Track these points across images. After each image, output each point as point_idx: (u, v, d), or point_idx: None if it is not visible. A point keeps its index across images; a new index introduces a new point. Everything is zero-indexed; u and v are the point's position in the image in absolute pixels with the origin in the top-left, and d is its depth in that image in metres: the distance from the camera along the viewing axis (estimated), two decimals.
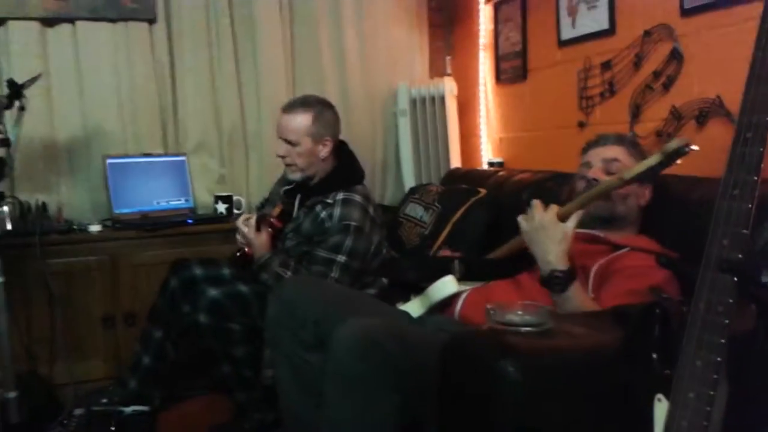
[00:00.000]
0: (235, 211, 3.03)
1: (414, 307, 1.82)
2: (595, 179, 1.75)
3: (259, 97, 3.16)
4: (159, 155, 3.02)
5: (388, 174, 3.42)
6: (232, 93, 3.12)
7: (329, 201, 2.18)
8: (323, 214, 2.17)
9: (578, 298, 1.51)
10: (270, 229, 2.23)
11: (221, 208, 3.00)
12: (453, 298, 1.76)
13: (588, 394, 1.16)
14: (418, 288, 1.87)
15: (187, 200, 3.05)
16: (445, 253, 2.08)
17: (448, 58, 3.47)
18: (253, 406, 2.18)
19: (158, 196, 2.98)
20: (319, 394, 1.51)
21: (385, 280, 2.25)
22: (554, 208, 1.57)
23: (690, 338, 1.04)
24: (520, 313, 1.27)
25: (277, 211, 2.28)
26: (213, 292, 2.10)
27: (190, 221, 2.86)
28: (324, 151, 2.23)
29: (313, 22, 3.21)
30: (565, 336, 1.26)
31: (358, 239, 2.13)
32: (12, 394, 2.14)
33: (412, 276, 1.92)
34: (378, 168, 3.37)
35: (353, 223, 2.13)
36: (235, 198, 3.05)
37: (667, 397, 1.05)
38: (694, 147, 1.42)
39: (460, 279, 1.78)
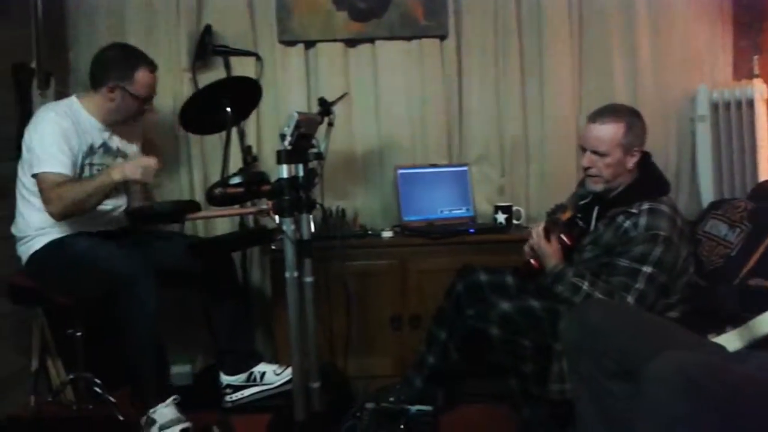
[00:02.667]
0: (515, 222, 3.02)
1: (730, 340, 1.64)
2: None
3: (543, 108, 3.12)
4: (444, 165, 3.13)
5: (682, 186, 3.16)
6: (516, 104, 3.13)
7: (633, 211, 2.08)
8: (627, 223, 2.07)
9: None
10: (562, 237, 2.19)
11: (501, 218, 3.01)
12: None
13: None
14: (734, 318, 1.68)
15: (467, 209, 3.12)
16: None
17: (756, 57, 3.10)
18: (538, 423, 2.14)
19: (442, 205, 3.09)
20: (624, 426, 1.42)
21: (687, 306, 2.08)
22: None
23: None
24: None
25: (566, 215, 2.21)
26: (505, 305, 2.11)
27: (471, 231, 2.91)
28: (631, 161, 2.15)
29: (604, 27, 3.09)
30: None
31: (666, 250, 2.01)
32: (316, 384, 2.34)
33: (730, 305, 1.73)
34: (670, 179, 3.11)
35: (662, 233, 2.01)
36: (514, 208, 3.04)
37: None
38: None
39: None
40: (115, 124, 2.55)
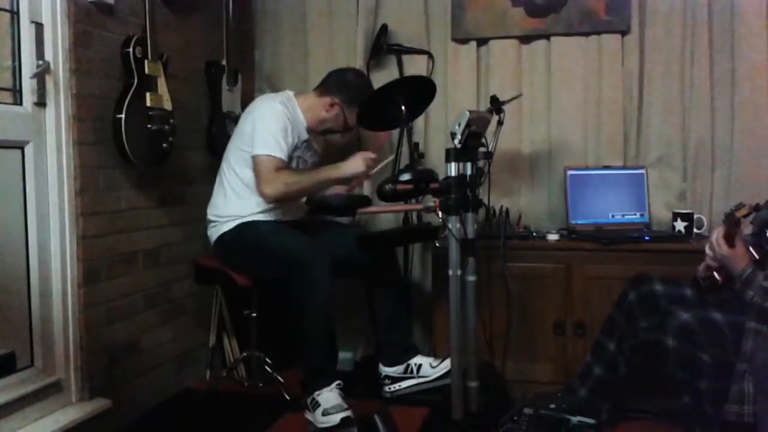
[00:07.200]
0: (695, 231, 2.80)
1: None
2: None
3: (734, 111, 2.86)
4: (618, 168, 2.98)
5: None
6: (703, 105, 2.89)
7: None
8: None
9: None
10: (750, 251, 1.99)
11: (679, 226, 2.80)
12: None
13: None
14: None
15: (642, 215, 2.95)
16: None
17: None
18: None
19: (613, 209, 2.95)
20: None
21: None
22: None
23: None
24: None
25: (743, 212, 2.02)
26: (683, 315, 1.97)
27: (646, 238, 2.74)
28: None
29: None
30: None
31: None
32: (474, 384, 2.32)
33: None
34: None
35: None
36: (696, 216, 2.82)
37: None
38: None
39: None
40: (314, 130, 2.74)
